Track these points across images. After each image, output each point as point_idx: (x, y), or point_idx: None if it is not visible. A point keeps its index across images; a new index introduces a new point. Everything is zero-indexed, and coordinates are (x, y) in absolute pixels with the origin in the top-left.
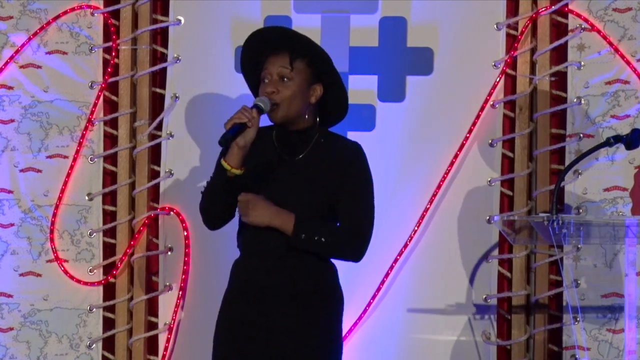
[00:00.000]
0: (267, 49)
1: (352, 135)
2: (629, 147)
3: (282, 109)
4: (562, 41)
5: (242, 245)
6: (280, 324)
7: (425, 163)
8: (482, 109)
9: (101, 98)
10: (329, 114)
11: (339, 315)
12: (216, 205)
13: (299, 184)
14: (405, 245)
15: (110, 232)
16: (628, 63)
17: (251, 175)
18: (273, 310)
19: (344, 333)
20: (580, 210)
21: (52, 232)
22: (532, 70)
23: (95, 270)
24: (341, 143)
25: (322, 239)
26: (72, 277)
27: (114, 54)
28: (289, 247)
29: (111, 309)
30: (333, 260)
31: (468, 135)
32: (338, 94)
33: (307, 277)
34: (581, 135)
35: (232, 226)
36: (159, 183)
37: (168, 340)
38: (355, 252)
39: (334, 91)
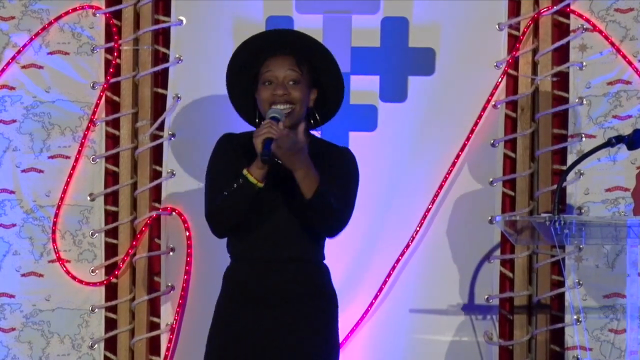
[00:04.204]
0: (268, 50)
1: (353, 136)
2: (631, 147)
3: (293, 114)
4: (563, 41)
5: (232, 250)
6: (274, 328)
7: (427, 163)
8: (483, 109)
9: (103, 98)
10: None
11: (334, 316)
12: (238, 218)
13: (291, 189)
14: (407, 246)
15: (112, 233)
16: (630, 63)
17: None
18: (267, 315)
19: (346, 333)
20: (582, 211)
21: (54, 232)
22: (534, 71)
23: (97, 271)
24: (332, 149)
25: (333, 204)
26: (74, 278)
27: (115, 54)
28: (281, 250)
29: (113, 309)
30: (325, 262)
31: (470, 135)
32: (335, 98)
33: (301, 280)
34: (583, 135)
35: None
36: (160, 183)
37: (170, 341)
38: (338, 227)
39: (330, 94)
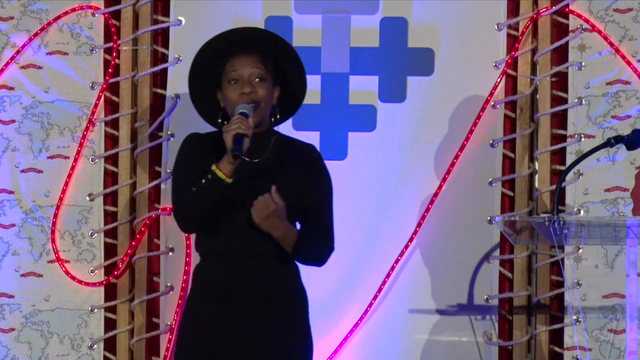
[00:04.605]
0: (232, 49)
1: (353, 136)
2: (630, 147)
3: (259, 110)
4: (562, 42)
5: (202, 248)
6: (245, 325)
7: (426, 164)
8: (482, 109)
9: (102, 98)
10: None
11: (303, 313)
12: (206, 213)
13: (262, 186)
14: (407, 246)
15: (112, 233)
16: (629, 63)
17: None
18: (238, 312)
19: (346, 334)
20: (581, 211)
21: (53, 232)
22: (533, 71)
23: (96, 271)
24: (299, 145)
25: (312, 252)
26: (73, 278)
27: (114, 54)
28: (251, 247)
29: (112, 309)
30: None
31: (469, 135)
32: (299, 93)
33: (271, 277)
34: (582, 135)
35: None
36: (159, 183)
37: (169, 341)
38: (324, 260)
39: (293, 90)
